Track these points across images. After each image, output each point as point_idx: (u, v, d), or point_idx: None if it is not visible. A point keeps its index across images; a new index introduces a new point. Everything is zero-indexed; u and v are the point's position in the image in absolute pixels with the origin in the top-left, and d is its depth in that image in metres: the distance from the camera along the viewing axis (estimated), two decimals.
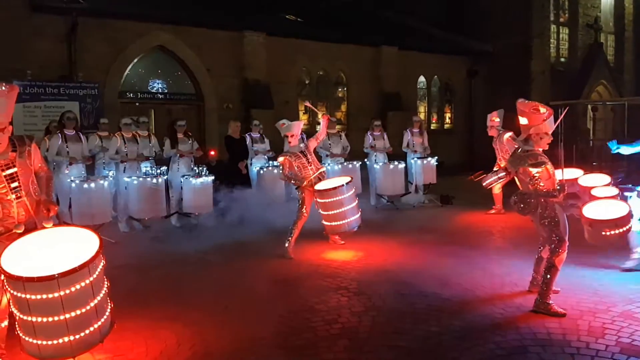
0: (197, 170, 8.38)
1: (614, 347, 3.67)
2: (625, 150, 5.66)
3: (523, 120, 4.44)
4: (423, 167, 10.03)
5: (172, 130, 8.71)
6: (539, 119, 4.35)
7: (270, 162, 9.49)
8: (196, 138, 9.60)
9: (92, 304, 3.24)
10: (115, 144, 8.04)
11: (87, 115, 10.84)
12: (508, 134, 8.45)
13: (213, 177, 8.39)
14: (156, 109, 12.64)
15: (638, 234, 5.38)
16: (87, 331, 3.23)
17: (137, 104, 12.31)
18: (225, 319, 4.37)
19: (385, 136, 10.33)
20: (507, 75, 17.29)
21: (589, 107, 19.02)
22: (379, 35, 15.95)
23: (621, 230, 4.71)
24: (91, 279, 3.21)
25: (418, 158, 10.07)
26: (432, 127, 17.42)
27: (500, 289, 4.99)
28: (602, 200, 5.17)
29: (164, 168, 8.58)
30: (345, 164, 9.76)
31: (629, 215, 4.75)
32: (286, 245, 6.39)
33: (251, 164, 9.37)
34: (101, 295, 3.34)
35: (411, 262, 6.10)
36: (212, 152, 10.32)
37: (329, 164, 9.69)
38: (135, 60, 12.24)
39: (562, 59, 20.10)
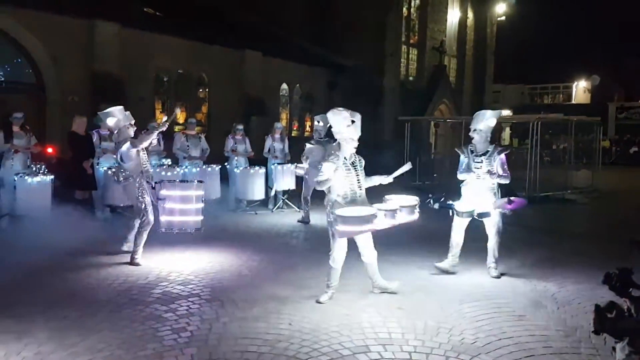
0: (34, 168, 7.57)
1: (446, 344, 4.00)
2: (437, 205, 6.09)
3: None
4: (283, 172, 10.15)
5: (7, 122, 7.78)
6: (344, 125, 4.87)
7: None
8: (35, 132, 8.69)
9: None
10: None
11: None
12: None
13: (52, 177, 7.65)
14: None
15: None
16: None
17: None
18: (62, 329, 3.99)
19: (247, 140, 10.33)
20: (362, 89, 18.29)
21: (432, 123, 20.80)
22: (243, 39, 15.89)
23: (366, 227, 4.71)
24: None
25: (278, 164, 10.18)
26: (293, 134, 17.76)
27: (347, 291, 5.20)
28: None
29: None
30: (204, 167, 9.54)
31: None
32: (135, 253, 6.03)
33: (97, 164, 8.66)
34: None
35: (268, 266, 6.12)
36: (50, 150, 9.27)
37: (186, 167, 9.40)
38: None
39: (411, 78, 21.79)
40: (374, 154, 17.64)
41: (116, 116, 6.23)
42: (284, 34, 18.07)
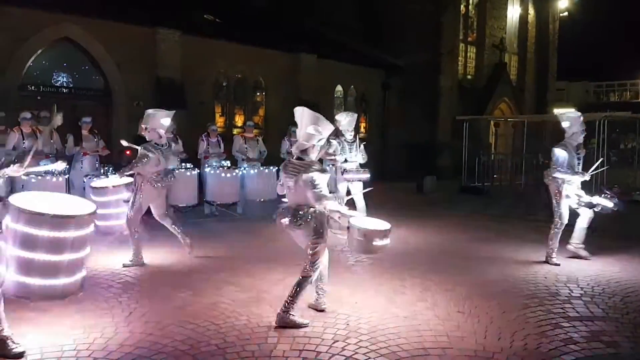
0: (102, 170, 7.96)
1: (508, 350, 3.89)
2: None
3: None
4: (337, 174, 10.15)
5: (77, 127, 8.21)
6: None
7: (183, 163, 9.23)
8: (103, 136, 9.13)
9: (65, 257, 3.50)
10: (13, 139, 7.46)
11: None
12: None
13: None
14: (60, 104, 11.84)
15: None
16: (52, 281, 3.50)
17: (38, 97, 11.49)
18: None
19: None
20: (418, 89, 18.07)
21: (492, 122, 20.26)
22: (298, 42, 16.06)
23: (387, 241, 4.29)
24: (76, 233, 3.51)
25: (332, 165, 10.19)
26: None
27: (403, 293, 5.14)
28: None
29: (65, 166, 8.05)
30: (261, 168, 9.73)
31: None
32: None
33: None
34: (78, 255, 3.58)
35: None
36: (128, 153, 9.83)
37: (245, 168, 9.62)
38: (39, 52, 11.44)
39: (469, 76, 21.32)
40: (430, 155, 17.59)
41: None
42: (338, 36, 18.13)
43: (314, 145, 4.23)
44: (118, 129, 12.14)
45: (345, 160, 8.09)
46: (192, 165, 9.31)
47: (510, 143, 20.78)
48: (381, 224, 4.28)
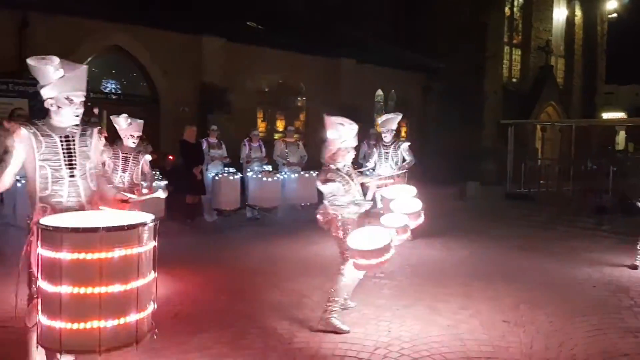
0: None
1: None
2: None
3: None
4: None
5: None
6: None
7: (226, 168, 9.40)
8: (150, 141, 9.38)
9: (133, 285, 2.59)
10: None
11: (37, 113, 10.39)
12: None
13: (166, 182, 8.23)
14: (109, 110, 12.27)
15: None
16: (121, 320, 2.55)
17: (89, 103, 11.90)
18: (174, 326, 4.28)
19: None
20: (461, 93, 17.78)
21: (538, 127, 19.74)
22: (338, 47, 16.10)
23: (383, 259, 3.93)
24: (140, 249, 2.62)
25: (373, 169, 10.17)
26: None
27: (446, 301, 5.07)
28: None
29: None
30: (302, 173, 9.80)
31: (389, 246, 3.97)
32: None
33: (207, 170, 9.24)
34: (146, 280, 2.69)
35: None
36: (171, 157, 10.17)
37: (286, 173, 9.71)
38: (89, 59, 11.88)
39: (514, 80, 20.86)
40: (474, 160, 17.27)
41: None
42: (378, 40, 18.08)
43: (338, 149, 4.32)
44: (165, 133, 12.47)
45: (374, 168, 7.60)
46: (234, 170, 9.46)
47: (557, 148, 20.20)
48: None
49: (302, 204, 9.88)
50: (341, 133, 4.30)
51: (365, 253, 3.89)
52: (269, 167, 9.96)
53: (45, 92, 2.99)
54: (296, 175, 9.73)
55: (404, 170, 7.47)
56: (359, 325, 4.35)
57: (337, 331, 4.15)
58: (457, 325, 4.43)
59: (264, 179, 9.37)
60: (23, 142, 2.93)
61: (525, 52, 20.93)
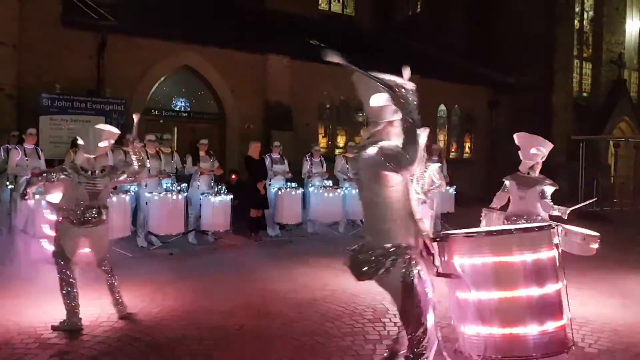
0: (216, 189, 8.48)
1: None
2: None
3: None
4: (441, 195, 9.99)
5: (195, 148, 8.83)
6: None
7: (288, 183, 9.57)
8: (217, 157, 9.73)
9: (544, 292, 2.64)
10: None
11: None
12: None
13: (232, 196, 8.48)
14: (179, 127, 12.85)
15: None
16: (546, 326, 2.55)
17: (161, 121, 12.52)
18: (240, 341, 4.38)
19: None
20: (529, 107, 17.25)
21: (611, 143, 18.83)
22: (399, 62, 16.02)
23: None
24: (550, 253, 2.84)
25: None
26: (450, 156, 17.38)
27: None
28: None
29: (184, 185, 8.68)
30: None
31: None
32: None
33: (269, 185, 9.45)
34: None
35: None
36: (234, 177, 10.55)
37: (347, 188, 9.76)
38: (162, 79, 12.49)
39: (585, 94, 20.05)
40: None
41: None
42: (441, 55, 17.90)
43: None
44: (231, 149, 12.88)
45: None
46: (296, 185, 9.62)
47: (632, 165, 19.14)
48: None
49: (363, 220, 9.87)
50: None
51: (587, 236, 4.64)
52: (329, 183, 10.05)
53: None
54: (357, 190, 9.74)
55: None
56: None
57: None
58: None
59: (325, 194, 9.47)
60: None
61: (596, 66, 20.10)
